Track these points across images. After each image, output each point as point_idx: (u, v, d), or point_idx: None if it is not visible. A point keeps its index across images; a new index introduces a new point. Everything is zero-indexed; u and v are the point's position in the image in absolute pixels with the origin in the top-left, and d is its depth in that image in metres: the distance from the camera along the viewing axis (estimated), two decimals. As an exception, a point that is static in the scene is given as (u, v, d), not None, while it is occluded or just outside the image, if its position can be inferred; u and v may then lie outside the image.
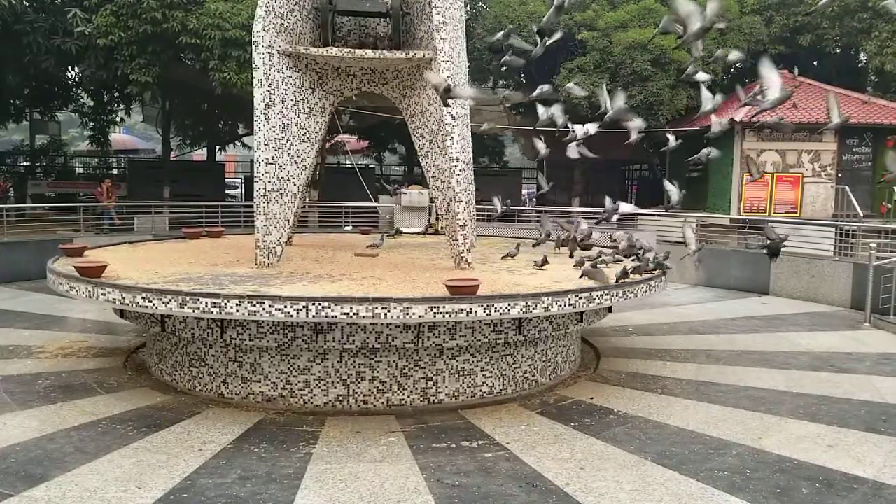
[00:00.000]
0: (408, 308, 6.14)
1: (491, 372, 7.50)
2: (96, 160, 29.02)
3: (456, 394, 7.33)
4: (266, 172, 8.26)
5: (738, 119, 16.87)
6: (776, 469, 5.65)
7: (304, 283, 7.17)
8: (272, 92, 8.37)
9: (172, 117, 23.45)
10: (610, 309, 8.62)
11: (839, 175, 18.26)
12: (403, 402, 7.17)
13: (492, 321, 6.95)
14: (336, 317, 6.13)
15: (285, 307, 6.09)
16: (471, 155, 9.58)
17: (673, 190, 6.81)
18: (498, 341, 7.32)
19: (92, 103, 22.70)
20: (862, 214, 16.81)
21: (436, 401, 7.24)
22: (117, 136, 31.27)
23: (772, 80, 4.89)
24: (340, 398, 7.11)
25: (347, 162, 26.16)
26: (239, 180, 30.00)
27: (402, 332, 6.81)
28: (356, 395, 7.11)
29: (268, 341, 6.90)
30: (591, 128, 6.55)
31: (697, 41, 5.27)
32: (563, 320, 7.66)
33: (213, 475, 5.42)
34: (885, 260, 11.67)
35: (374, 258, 9.10)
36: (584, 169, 22.09)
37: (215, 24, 16.03)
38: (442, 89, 6.39)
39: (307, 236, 12.52)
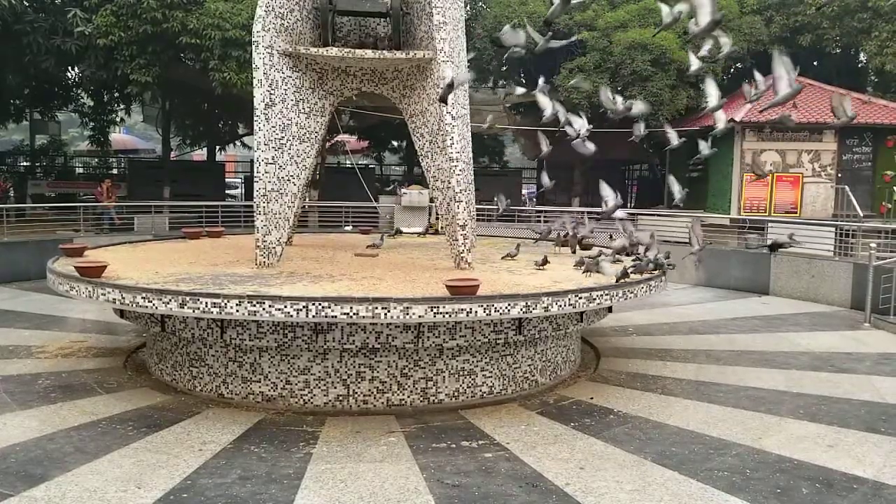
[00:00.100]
0: (408, 308, 6.14)
1: (491, 372, 7.50)
2: (96, 160, 29.02)
3: (456, 394, 7.33)
4: (266, 172, 8.26)
5: (738, 119, 16.87)
6: (776, 469, 5.65)
7: (304, 283, 7.18)
8: (272, 92, 8.37)
9: (172, 117, 23.46)
10: (610, 309, 8.62)
11: (839, 175, 18.26)
12: (403, 402, 7.17)
13: (492, 321, 6.95)
14: (336, 317, 6.13)
15: (285, 307, 6.09)
16: (471, 155, 9.58)
17: (676, 187, 6.79)
18: (498, 341, 7.32)
19: (92, 103, 22.70)
20: (862, 214, 16.81)
21: (436, 401, 7.24)
22: (117, 136, 31.27)
23: (782, 74, 4.86)
24: (340, 398, 7.11)
25: (347, 162, 26.16)
26: (239, 180, 30.01)
27: (402, 332, 6.81)
28: (356, 395, 7.11)
29: (268, 341, 6.90)
30: (585, 125, 6.53)
31: (708, 35, 5.18)
32: (563, 320, 7.66)
33: (213, 475, 5.42)
34: (885, 260, 11.67)
35: (374, 258, 9.10)
36: (584, 169, 22.09)
37: (215, 24, 16.03)
38: (446, 84, 6.42)
39: (307, 236, 12.52)
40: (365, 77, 9.42)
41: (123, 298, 6.56)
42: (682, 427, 6.59)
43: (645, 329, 10.84)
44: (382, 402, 7.13)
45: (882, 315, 11.21)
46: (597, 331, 10.17)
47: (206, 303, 6.19)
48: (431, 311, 6.18)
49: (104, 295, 6.73)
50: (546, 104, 6.07)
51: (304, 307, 6.10)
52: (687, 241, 6.60)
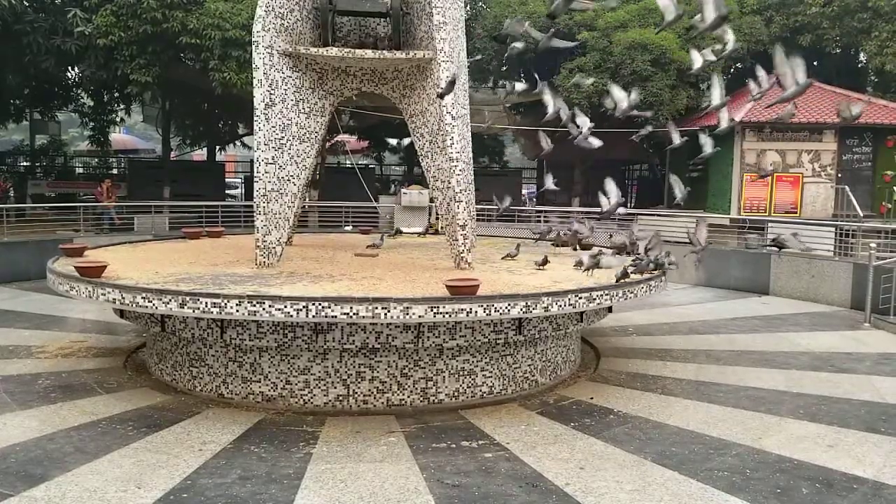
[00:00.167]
0: (408, 308, 6.14)
1: (491, 372, 7.50)
2: (96, 160, 29.02)
3: (456, 394, 7.33)
4: (266, 172, 8.26)
5: (738, 119, 16.87)
6: (776, 469, 5.65)
7: (304, 283, 7.18)
8: (272, 92, 8.37)
9: (172, 117, 23.46)
10: (610, 309, 8.62)
11: (839, 175, 18.26)
12: (403, 402, 7.17)
13: (492, 321, 6.95)
14: (336, 317, 6.13)
15: (285, 307, 6.09)
16: (471, 155, 9.58)
17: (678, 187, 6.79)
18: (498, 341, 7.32)
19: (92, 103, 22.70)
20: (862, 214, 16.81)
21: (436, 401, 7.24)
22: (117, 136, 31.27)
23: (789, 70, 4.85)
24: (340, 398, 7.11)
25: (347, 162, 26.16)
26: (239, 180, 30.00)
27: (402, 332, 6.81)
28: (356, 395, 7.11)
29: (268, 341, 6.90)
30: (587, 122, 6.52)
31: (713, 31, 5.15)
32: (563, 320, 7.66)
33: (213, 475, 5.42)
34: (885, 260, 11.67)
35: (374, 258, 9.10)
36: (584, 169, 22.10)
37: (215, 24, 16.03)
38: (447, 81, 6.43)
39: (307, 236, 12.52)
40: (365, 77, 9.42)
41: (123, 298, 6.56)
42: (682, 427, 6.59)
43: (645, 329, 10.84)
44: (382, 402, 7.13)
45: (882, 315, 11.21)
46: (597, 331, 10.17)
47: (206, 303, 6.19)
48: (431, 311, 6.18)
49: (104, 295, 6.73)
50: (550, 101, 6.07)
51: (304, 307, 6.10)
52: (687, 241, 6.58)
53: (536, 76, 6.73)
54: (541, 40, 5.97)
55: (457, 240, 8.30)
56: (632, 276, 7.39)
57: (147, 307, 6.42)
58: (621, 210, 6.77)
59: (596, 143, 6.30)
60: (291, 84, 8.72)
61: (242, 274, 7.64)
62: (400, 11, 9.13)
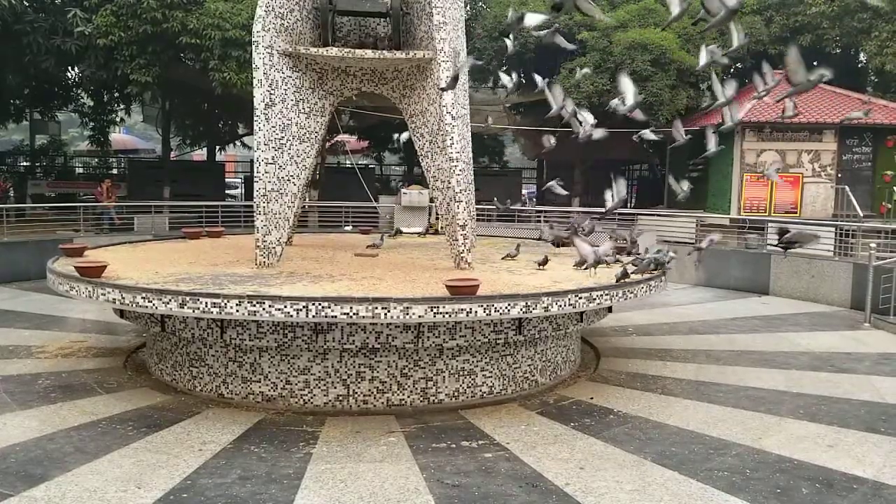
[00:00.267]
0: (408, 308, 6.14)
1: (491, 372, 7.50)
2: (96, 160, 29.02)
3: (456, 394, 7.33)
4: (266, 172, 8.26)
5: (739, 118, 16.85)
6: (776, 469, 5.65)
7: (304, 283, 7.18)
8: (272, 92, 8.37)
9: (172, 117, 23.46)
10: (610, 309, 8.62)
11: (839, 175, 18.25)
12: (403, 402, 7.17)
13: (492, 321, 6.95)
14: (336, 317, 6.13)
15: (285, 307, 6.09)
16: (471, 155, 9.58)
17: (681, 186, 6.78)
18: (498, 341, 7.32)
19: (92, 103, 22.70)
20: (862, 214, 16.81)
21: (436, 401, 7.24)
22: (117, 136, 31.27)
23: (799, 68, 4.88)
24: (340, 398, 7.11)
25: (347, 162, 26.16)
26: (239, 180, 30.01)
27: (402, 332, 6.81)
28: (356, 395, 7.11)
29: (268, 341, 6.90)
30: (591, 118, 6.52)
31: (723, 24, 5.13)
32: (563, 320, 7.66)
33: (213, 475, 5.42)
34: (885, 260, 11.67)
35: (374, 258, 9.10)
36: (585, 169, 22.10)
37: (215, 24, 16.03)
38: (451, 76, 6.44)
39: (307, 236, 12.52)
40: (365, 77, 9.42)
41: (123, 298, 6.57)
42: (682, 427, 6.59)
43: (645, 329, 10.84)
44: (382, 402, 7.13)
45: (882, 315, 11.21)
46: (597, 331, 10.17)
47: (206, 303, 6.19)
48: (431, 311, 6.18)
49: (104, 295, 6.74)
50: (557, 96, 6.06)
51: (304, 307, 6.10)
52: (686, 241, 6.57)
53: (538, 77, 6.71)
54: (544, 36, 5.97)
55: (457, 240, 8.30)
56: (632, 275, 7.40)
57: (147, 307, 6.42)
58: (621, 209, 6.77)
59: (600, 133, 6.29)
60: (291, 84, 8.72)
61: (242, 274, 7.64)
62: (400, 11, 9.13)
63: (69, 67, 19.81)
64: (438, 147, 8.50)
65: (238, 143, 26.95)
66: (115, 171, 28.26)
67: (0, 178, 23.39)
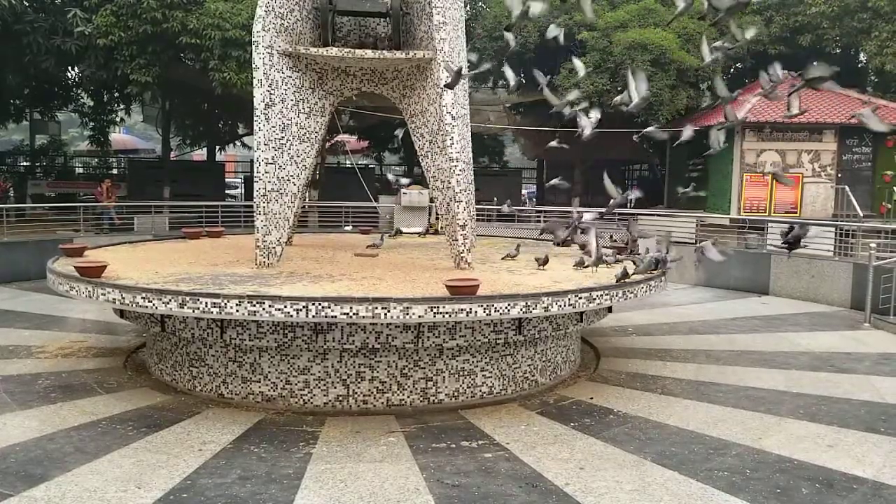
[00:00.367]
0: (408, 308, 6.14)
1: (491, 372, 7.50)
2: (96, 160, 29.05)
3: (456, 394, 7.33)
4: (266, 172, 8.26)
5: (740, 117, 16.86)
6: (776, 469, 5.65)
7: (304, 283, 7.17)
8: (272, 92, 8.37)
9: (172, 117, 23.47)
10: (610, 309, 8.62)
11: (839, 175, 18.26)
12: (403, 402, 7.17)
13: (492, 321, 6.95)
14: (336, 317, 6.13)
15: (285, 307, 6.09)
16: (471, 155, 9.58)
17: (687, 188, 6.81)
18: (498, 341, 7.32)
19: (92, 103, 22.72)
20: (862, 214, 16.81)
21: (436, 401, 7.24)
22: (117, 136, 31.29)
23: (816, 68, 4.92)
24: (340, 398, 7.11)
25: (347, 162, 26.17)
26: (239, 180, 30.03)
27: (401, 332, 6.81)
28: (356, 395, 7.11)
29: (268, 341, 6.90)
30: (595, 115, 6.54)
31: (732, 17, 5.13)
32: (563, 320, 7.66)
33: (213, 475, 5.42)
34: (885, 260, 11.67)
35: (374, 258, 9.10)
36: (584, 169, 22.10)
37: (215, 24, 16.04)
38: (454, 72, 6.44)
39: (307, 236, 12.52)
40: (365, 77, 9.42)
41: (123, 298, 6.57)
42: (682, 427, 6.59)
43: (645, 329, 10.84)
44: (382, 402, 7.13)
45: (882, 315, 11.21)
46: (597, 331, 10.17)
47: (206, 303, 6.19)
48: (431, 311, 6.18)
49: (104, 295, 6.73)
50: (574, 95, 6.06)
51: (304, 307, 6.10)
52: (686, 241, 6.60)
53: (539, 74, 6.71)
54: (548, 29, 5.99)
55: (457, 240, 8.30)
56: (632, 275, 7.39)
57: (147, 307, 6.42)
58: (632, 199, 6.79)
59: (596, 115, 6.30)
60: (291, 84, 8.72)
61: (242, 274, 7.64)
62: (400, 11, 9.13)
63: (69, 67, 19.82)
64: (438, 147, 8.50)
65: (238, 143, 26.97)
66: (115, 171, 28.30)
67: (0, 178, 23.40)
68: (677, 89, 18.72)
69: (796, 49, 20.54)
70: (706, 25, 17.33)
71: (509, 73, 6.98)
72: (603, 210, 7.74)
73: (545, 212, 19.24)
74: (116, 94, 21.71)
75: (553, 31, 6.01)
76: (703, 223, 17.54)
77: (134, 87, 17.32)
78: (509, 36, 7.59)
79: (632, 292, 7.41)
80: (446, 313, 6.21)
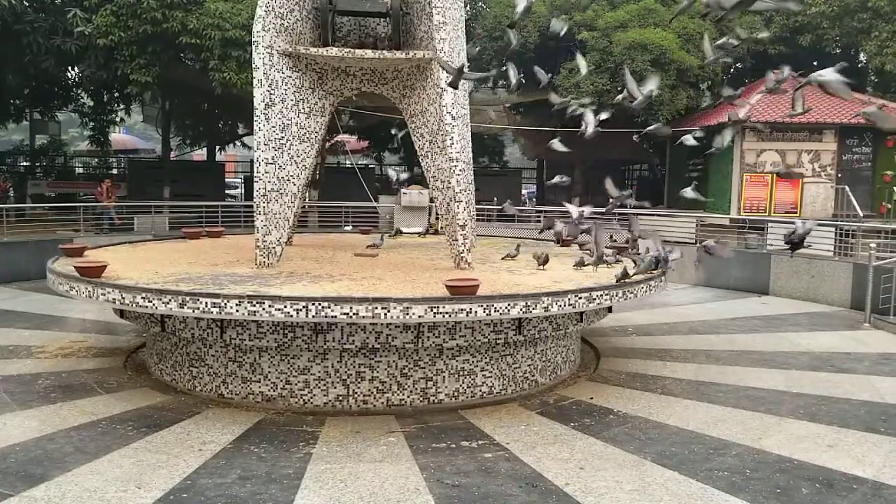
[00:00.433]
0: (408, 308, 6.14)
1: (491, 372, 7.50)
2: (96, 160, 29.05)
3: (456, 394, 7.33)
4: (266, 172, 8.26)
5: (740, 116, 16.84)
6: (776, 469, 5.65)
7: (304, 283, 7.17)
8: (272, 92, 8.37)
9: (172, 117, 23.47)
10: (610, 309, 8.62)
11: (839, 175, 18.25)
12: (403, 402, 7.17)
13: (492, 321, 6.95)
14: (336, 317, 6.13)
15: (285, 307, 6.09)
16: (471, 155, 9.58)
17: (693, 193, 6.82)
18: (498, 341, 7.32)
19: (92, 103, 22.73)
20: (862, 214, 16.80)
21: (436, 401, 7.24)
22: (117, 136, 31.28)
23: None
24: (340, 398, 7.11)
25: (347, 162, 26.17)
26: (239, 180, 30.02)
27: (401, 332, 6.81)
28: (356, 395, 7.11)
29: (268, 341, 6.90)
30: (602, 114, 6.54)
31: (738, 12, 5.12)
32: (563, 320, 7.66)
33: (213, 475, 5.42)
34: (885, 260, 11.67)
35: (374, 258, 9.10)
36: (585, 169, 22.10)
37: (215, 24, 16.03)
38: (456, 70, 6.45)
39: (307, 236, 12.52)
40: (365, 77, 9.42)
41: (123, 298, 6.57)
42: (682, 427, 6.59)
43: (645, 329, 10.84)
44: (382, 402, 7.13)
45: (882, 315, 11.21)
46: (597, 331, 10.17)
47: (206, 303, 6.19)
48: (431, 311, 6.18)
49: (104, 295, 6.73)
50: (584, 105, 6.08)
51: (303, 307, 6.10)
52: (686, 241, 6.61)
53: (540, 71, 6.71)
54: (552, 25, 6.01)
55: (457, 240, 8.30)
56: (633, 275, 7.39)
57: (147, 307, 6.42)
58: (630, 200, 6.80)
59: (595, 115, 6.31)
60: (291, 84, 8.72)
61: (242, 274, 7.64)
62: (400, 11, 9.13)
63: (69, 67, 19.82)
64: (438, 147, 8.50)
65: (238, 143, 26.96)
66: (115, 171, 28.29)
67: (0, 178, 23.40)
68: (677, 89, 18.71)
69: (796, 49, 20.54)
70: (707, 25, 17.36)
71: (512, 71, 6.97)
72: (602, 210, 7.75)
73: (545, 212, 19.22)
74: (116, 94, 21.71)
75: (556, 24, 6.02)
76: (703, 223, 17.54)
77: (134, 87, 17.31)
78: (511, 33, 7.58)
79: (632, 292, 7.41)
80: (446, 313, 6.21)
